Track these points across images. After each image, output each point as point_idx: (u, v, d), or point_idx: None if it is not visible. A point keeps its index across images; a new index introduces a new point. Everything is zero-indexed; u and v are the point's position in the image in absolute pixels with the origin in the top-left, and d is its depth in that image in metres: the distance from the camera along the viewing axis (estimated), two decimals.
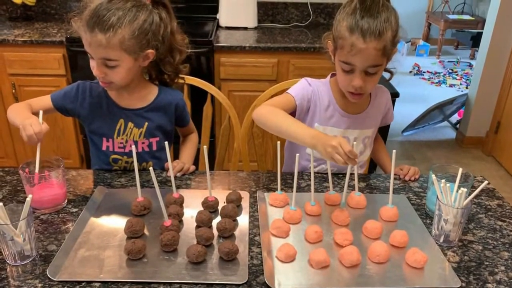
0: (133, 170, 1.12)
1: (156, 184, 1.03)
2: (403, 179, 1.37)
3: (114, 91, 1.38)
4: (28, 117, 1.20)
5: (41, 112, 1.23)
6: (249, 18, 2.93)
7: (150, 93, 1.42)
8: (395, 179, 1.36)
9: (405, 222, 1.15)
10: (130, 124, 1.39)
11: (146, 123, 1.40)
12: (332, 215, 1.15)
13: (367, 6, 1.19)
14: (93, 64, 1.27)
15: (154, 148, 1.43)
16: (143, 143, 1.41)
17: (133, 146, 1.12)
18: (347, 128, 1.40)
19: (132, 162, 1.37)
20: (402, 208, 1.19)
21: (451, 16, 5.95)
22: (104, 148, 1.40)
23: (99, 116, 1.39)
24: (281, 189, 1.23)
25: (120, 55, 1.24)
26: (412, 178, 1.36)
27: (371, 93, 1.44)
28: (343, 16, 1.23)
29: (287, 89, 1.48)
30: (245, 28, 2.93)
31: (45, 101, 1.38)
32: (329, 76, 1.43)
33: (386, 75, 1.45)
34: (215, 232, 1.06)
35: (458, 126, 3.82)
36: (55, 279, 0.91)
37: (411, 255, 1.00)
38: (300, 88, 1.39)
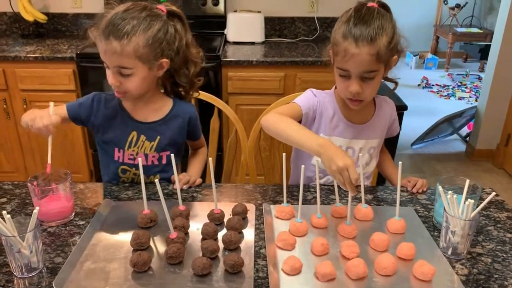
0: (140, 182, 1.13)
1: (161, 197, 1.03)
2: (411, 191, 1.36)
3: (129, 103, 1.40)
4: (39, 111, 1.24)
5: (51, 104, 1.26)
6: (257, 33, 2.96)
7: (165, 106, 1.44)
8: (402, 191, 1.35)
9: (412, 235, 1.14)
10: (142, 137, 1.40)
11: (158, 137, 1.41)
12: (338, 227, 1.15)
13: (362, 15, 1.22)
14: (108, 73, 1.29)
15: (164, 162, 1.44)
16: (153, 156, 1.42)
17: (140, 159, 1.13)
18: (352, 138, 1.40)
19: (138, 176, 1.39)
20: (409, 221, 1.18)
21: (459, 29, 5.96)
22: (115, 157, 1.42)
23: (112, 127, 1.41)
24: (287, 201, 1.22)
25: (134, 63, 1.26)
26: (420, 191, 1.35)
27: (376, 104, 1.44)
28: (339, 24, 1.27)
29: None
30: (253, 43, 2.96)
31: (60, 111, 1.39)
32: (333, 87, 1.44)
33: (391, 85, 1.46)
34: (220, 244, 1.06)
35: (467, 139, 3.79)
36: None
37: (419, 268, 0.99)
38: (306, 98, 1.40)
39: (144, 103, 1.40)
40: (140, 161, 1.11)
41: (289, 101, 1.64)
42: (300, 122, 1.38)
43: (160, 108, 1.43)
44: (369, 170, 1.48)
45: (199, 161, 1.57)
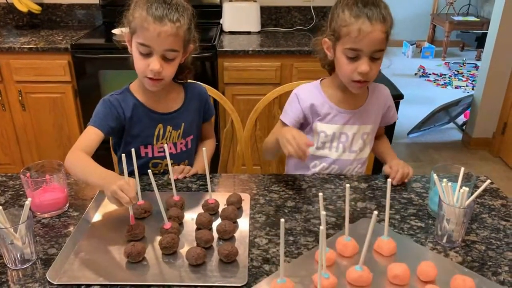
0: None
1: (155, 187, 1.03)
2: (392, 182, 1.28)
3: (148, 97, 1.38)
4: (108, 178, 1.08)
5: (125, 168, 1.09)
6: (253, 23, 2.93)
7: (180, 92, 1.45)
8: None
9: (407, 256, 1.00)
10: (169, 128, 1.41)
11: (183, 124, 1.43)
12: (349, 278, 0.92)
13: None
14: (147, 61, 1.25)
15: (189, 146, 1.47)
16: (181, 143, 1.44)
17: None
18: (345, 124, 1.41)
19: (172, 164, 1.37)
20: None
21: (456, 18, 5.92)
22: (143, 154, 1.41)
23: (136, 125, 1.38)
24: (281, 192, 1.22)
25: (180, 45, 1.27)
26: (406, 180, 1.33)
27: (369, 89, 1.45)
28: (342, 8, 1.28)
29: (289, 92, 1.49)
30: (249, 33, 2.93)
31: (94, 135, 1.29)
32: (319, 80, 1.47)
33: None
34: (215, 234, 1.05)
35: (464, 127, 3.79)
36: (54, 283, 0.91)
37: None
38: (291, 111, 1.43)
39: (164, 94, 1.40)
40: (133, 151, 1.10)
41: (285, 91, 1.66)
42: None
43: (177, 96, 1.44)
44: (363, 156, 1.47)
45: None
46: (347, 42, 1.27)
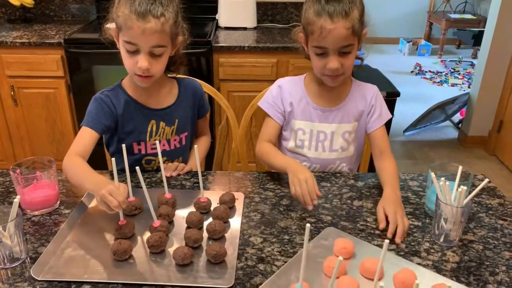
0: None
1: (143, 184, 1.01)
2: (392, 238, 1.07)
3: (140, 93, 1.35)
4: (100, 184, 1.04)
5: (115, 173, 1.07)
6: (248, 18, 2.91)
7: (173, 87, 1.43)
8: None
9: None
10: (162, 124, 1.38)
11: (177, 120, 1.40)
12: None
13: None
14: (134, 59, 1.22)
15: (183, 143, 1.44)
16: (175, 140, 1.42)
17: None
18: (321, 122, 1.40)
19: (165, 161, 1.38)
20: None
21: (453, 15, 5.92)
22: (136, 151, 1.38)
23: (129, 122, 1.35)
24: (276, 190, 1.20)
25: (167, 40, 1.25)
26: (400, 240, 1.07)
27: (351, 88, 1.42)
28: (309, 4, 1.26)
29: None
30: (245, 28, 2.91)
31: (89, 136, 1.26)
32: (305, 74, 1.45)
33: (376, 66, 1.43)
34: (205, 234, 1.03)
35: (460, 125, 3.79)
36: (38, 279, 0.89)
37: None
38: (271, 101, 1.43)
39: (157, 89, 1.37)
40: (123, 147, 1.08)
41: None
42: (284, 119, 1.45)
43: (170, 91, 1.41)
44: (348, 155, 1.43)
45: (200, 151, 1.53)
46: (313, 39, 1.26)
